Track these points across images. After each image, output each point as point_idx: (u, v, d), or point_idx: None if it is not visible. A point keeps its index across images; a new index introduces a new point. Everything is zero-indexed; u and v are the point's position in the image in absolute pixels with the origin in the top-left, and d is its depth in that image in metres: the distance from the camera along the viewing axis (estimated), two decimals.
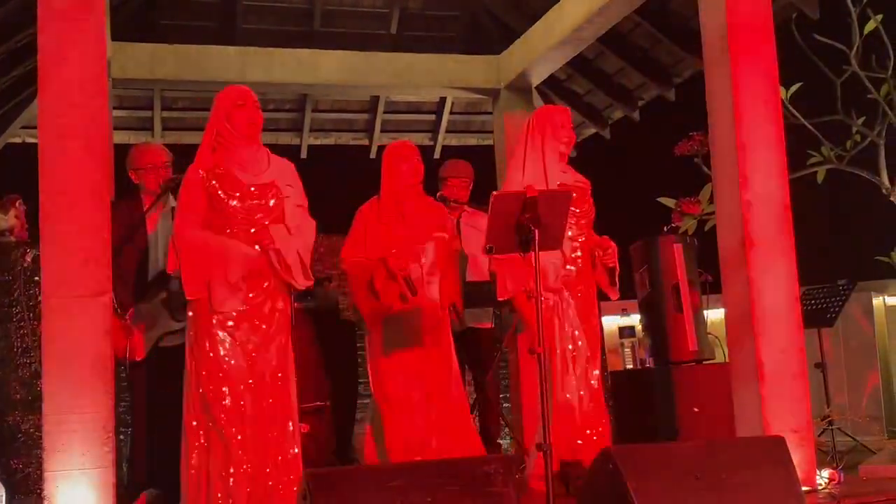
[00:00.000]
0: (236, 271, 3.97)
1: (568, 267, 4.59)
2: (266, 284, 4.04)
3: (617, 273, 4.67)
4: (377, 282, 4.55)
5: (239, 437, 3.88)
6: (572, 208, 4.43)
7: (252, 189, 4.06)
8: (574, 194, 4.30)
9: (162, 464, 4.61)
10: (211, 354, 3.93)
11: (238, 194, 4.04)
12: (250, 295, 4.00)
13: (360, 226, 4.70)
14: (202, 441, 3.91)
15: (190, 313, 4.02)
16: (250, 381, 3.95)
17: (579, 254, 4.65)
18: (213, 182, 4.04)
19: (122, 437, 5.03)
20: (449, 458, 4.41)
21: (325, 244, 6.06)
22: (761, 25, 4.71)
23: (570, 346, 4.56)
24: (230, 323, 3.96)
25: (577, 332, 4.56)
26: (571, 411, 4.50)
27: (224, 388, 3.91)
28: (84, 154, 3.98)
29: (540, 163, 4.69)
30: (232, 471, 3.84)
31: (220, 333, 3.95)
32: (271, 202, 4.09)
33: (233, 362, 3.93)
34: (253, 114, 4.14)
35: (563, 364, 4.52)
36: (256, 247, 4.03)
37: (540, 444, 3.65)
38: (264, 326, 4.02)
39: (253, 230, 4.03)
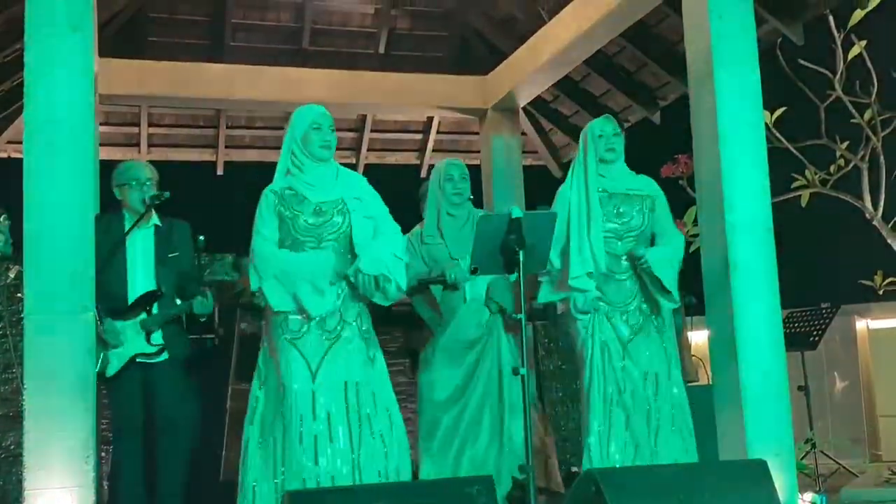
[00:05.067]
0: (324, 277, 4.10)
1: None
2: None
3: (663, 280, 4.53)
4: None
5: None
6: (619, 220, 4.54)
7: (319, 207, 4.18)
8: (556, 213, 4.33)
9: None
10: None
11: (303, 213, 4.16)
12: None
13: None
14: None
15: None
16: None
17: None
18: (283, 204, 4.18)
19: (103, 454, 5.00)
20: (431, 480, 4.41)
21: None
22: (746, 50, 4.75)
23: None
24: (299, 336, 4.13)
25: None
26: None
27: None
28: (69, 170, 3.97)
29: (582, 174, 4.69)
30: None
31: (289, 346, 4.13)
32: (336, 218, 4.19)
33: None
34: (328, 137, 4.23)
35: None
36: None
37: (523, 467, 3.64)
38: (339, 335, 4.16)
39: (322, 245, 4.16)
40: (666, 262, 4.54)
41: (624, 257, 4.58)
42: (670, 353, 4.59)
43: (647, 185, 4.71)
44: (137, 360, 4.59)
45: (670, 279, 4.53)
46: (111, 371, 4.56)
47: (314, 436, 3.98)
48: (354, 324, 4.19)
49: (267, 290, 4.10)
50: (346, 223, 4.19)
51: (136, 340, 4.60)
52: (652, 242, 4.65)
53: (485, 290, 4.85)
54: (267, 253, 4.15)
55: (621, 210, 4.59)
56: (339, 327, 4.15)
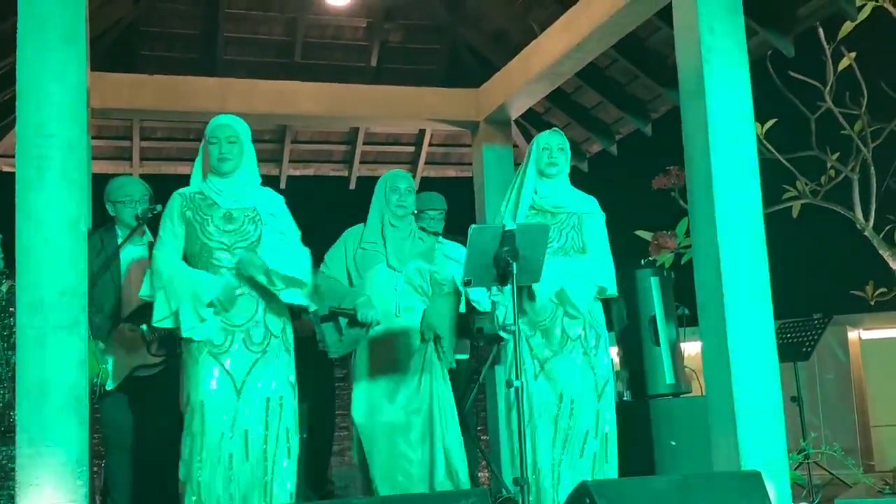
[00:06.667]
0: (207, 295, 4.00)
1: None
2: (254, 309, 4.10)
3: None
4: None
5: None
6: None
7: (229, 213, 4.12)
8: (549, 226, 4.31)
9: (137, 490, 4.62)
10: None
11: (213, 217, 4.11)
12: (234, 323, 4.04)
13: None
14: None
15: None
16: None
17: None
18: (191, 208, 4.14)
19: (95, 469, 4.98)
20: (424, 493, 4.39)
21: None
22: (736, 62, 4.77)
23: None
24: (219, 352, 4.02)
25: None
26: None
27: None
28: (61, 184, 3.96)
29: (517, 188, 4.66)
30: None
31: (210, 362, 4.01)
32: (248, 226, 4.13)
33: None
34: (224, 150, 4.17)
35: None
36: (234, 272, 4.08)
37: (517, 479, 3.64)
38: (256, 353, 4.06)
39: (229, 256, 4.07)
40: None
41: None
42: (600, 377, 4.48)
43: (578, 203, 4.61)
44: (136, 373, 4.59)
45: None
46: (112, 384, 4.55)
47: (230, 454, 3.96)
48: (280, 338, 4.14)
49: (157, 301, 4.03)
50: (258, 233, 4.14)
51: (139, 354, 4.59)
52: None
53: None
54: (160, 261, 4.08)
55: None
56: (266, 341, 4.09)
